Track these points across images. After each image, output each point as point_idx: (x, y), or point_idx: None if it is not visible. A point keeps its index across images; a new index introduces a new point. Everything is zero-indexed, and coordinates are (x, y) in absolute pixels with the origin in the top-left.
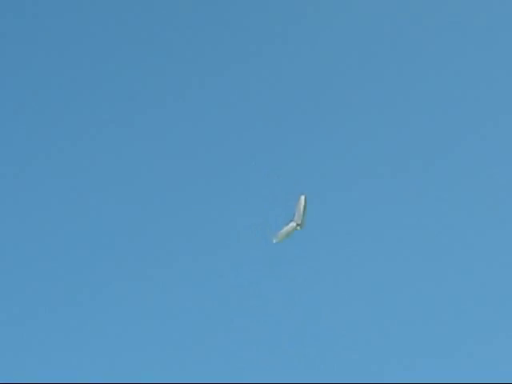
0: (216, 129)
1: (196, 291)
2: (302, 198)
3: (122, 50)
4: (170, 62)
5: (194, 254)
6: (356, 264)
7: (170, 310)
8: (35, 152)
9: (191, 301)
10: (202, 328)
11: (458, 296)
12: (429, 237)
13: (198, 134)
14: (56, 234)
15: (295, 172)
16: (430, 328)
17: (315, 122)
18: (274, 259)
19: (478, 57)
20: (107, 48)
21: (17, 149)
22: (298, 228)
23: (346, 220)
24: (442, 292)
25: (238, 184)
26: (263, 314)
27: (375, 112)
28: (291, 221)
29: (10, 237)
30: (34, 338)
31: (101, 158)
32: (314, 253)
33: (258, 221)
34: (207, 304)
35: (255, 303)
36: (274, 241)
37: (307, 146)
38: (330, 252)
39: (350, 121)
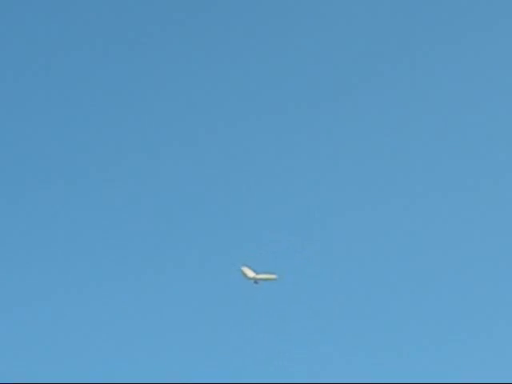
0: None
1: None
2: (274, 276)
3: (121, 50)
4: (170, 64)
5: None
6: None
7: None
8: (36, 152)
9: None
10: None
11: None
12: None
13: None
14: (57, 234)
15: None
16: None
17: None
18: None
19: (478, 57)
20: (106, 48)
21: (17, 149)
22: (253, 282)
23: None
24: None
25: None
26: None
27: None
28: (255, 273)
29: (10, 238)
30: (34, 337)
31: (102, 158)
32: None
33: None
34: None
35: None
36: (241, 272)
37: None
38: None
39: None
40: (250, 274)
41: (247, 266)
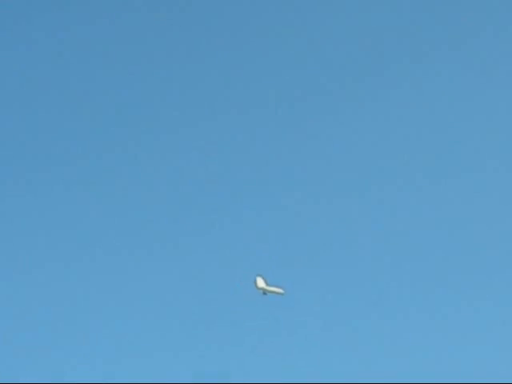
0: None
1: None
2: (280, 290)
3: (122, 52)
4: (171, 66)
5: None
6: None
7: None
8: (38, 152)
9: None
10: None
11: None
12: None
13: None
14: (58, 234)
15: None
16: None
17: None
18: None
19: (478, 56)
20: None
21: (19, 149)
22: (261, 291)
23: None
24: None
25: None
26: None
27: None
28: (265, 285)
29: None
30: (35, 337)
31: (103, 159)
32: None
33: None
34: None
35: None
36: (255, 283)
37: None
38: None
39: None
40: (261, 284)
41: (261, 275)
